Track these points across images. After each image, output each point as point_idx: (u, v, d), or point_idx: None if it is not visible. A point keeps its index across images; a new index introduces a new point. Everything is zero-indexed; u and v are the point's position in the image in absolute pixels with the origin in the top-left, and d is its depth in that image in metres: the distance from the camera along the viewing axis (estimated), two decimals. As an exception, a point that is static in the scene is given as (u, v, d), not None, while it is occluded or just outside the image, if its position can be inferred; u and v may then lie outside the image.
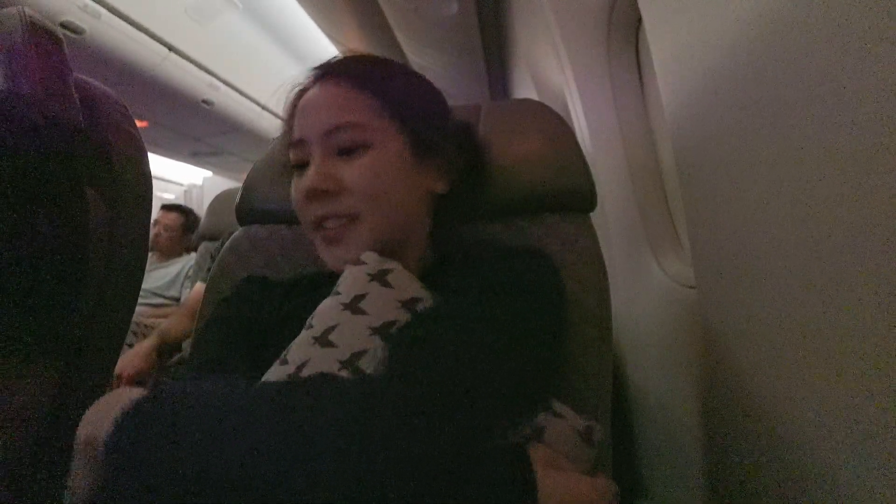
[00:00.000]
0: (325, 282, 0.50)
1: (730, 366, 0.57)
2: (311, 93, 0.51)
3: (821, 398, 0.41)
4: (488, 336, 0.39)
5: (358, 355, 0.41)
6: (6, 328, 0.48)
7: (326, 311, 0.45)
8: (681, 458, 0.76)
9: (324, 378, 0.37)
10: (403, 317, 0.44)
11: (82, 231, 0.52)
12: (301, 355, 0.43)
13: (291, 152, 0.52)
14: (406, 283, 0.46)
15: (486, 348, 0.38)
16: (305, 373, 0.41)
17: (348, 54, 0.56)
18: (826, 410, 0.40)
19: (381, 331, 0.42)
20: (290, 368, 0.42)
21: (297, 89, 0.54)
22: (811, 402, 0.42)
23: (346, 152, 0.48)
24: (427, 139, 0.51)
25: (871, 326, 0.34)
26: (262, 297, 0.56)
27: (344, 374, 0.40)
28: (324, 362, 0.41)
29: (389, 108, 0.49)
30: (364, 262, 0.47)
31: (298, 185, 0.50)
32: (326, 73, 0.52)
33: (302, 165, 0.51)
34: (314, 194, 0.48)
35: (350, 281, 0.47)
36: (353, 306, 0.44)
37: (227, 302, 0.57)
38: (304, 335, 0.45)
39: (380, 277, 0.46)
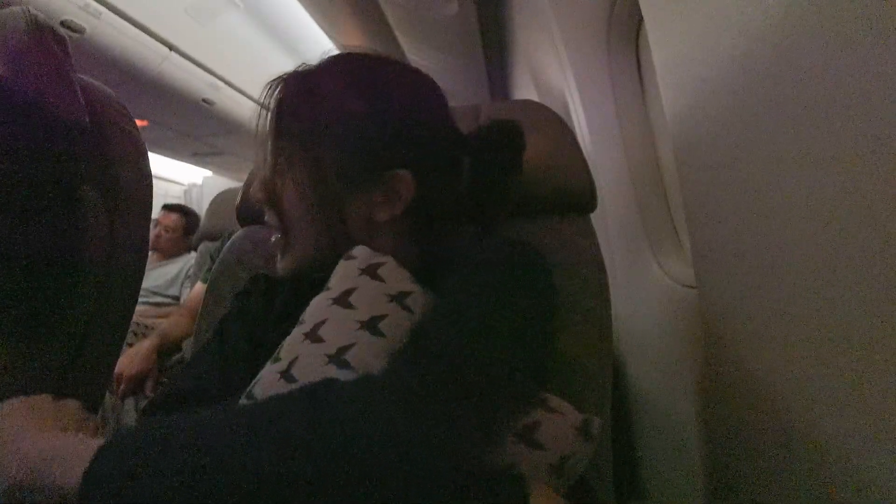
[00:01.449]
0: (325, 279, 0.51)
1: (730, 366, 0.57)
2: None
3: (821, 397, 0.41)
4: (482, 334, 0.38)
5: (344, 349, 0.41)
6: (7, 318, 0.48)
7: (317, 306, 0.46)
8: (681, 458, 0.76)
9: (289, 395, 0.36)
10: (392, 310, 0.44)
11: (78, 228, 0.52)
12: (292, 352, 0.43)
13: None
14: (397, 277, 0.46)
15: (479, 346, 0.37)
16: (295, 369, 0.41)
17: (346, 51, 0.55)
18: (826, 409, 0.40)
19: (369, 325, 0.42)
20: (283, 365, 0.42)
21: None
22: (811, 401, 0.42)
23: (269, 174, 0.51)
24: (356, 171, 0.49)
25: (871, 326, 0.34)
26: (269, 294, 0.57)
27: (331, 368, 0.40)
28: (312, 357, 0.42)
29: (310, 145, 0.49)
30: (354, 257, 0.48)
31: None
32: (281, 84, 0.51)
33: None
34: (256, 200, 0.52)
35: (340, 275, 0.47)
36: (342, 301, 0.44)
37: (245, 295, 0.57)
38: (296, 331, 0.45)
39: (370, 271, 0.46)
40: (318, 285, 0.51)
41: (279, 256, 0.52)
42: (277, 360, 0.44)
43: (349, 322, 0.43)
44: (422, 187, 0.49)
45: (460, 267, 0.47)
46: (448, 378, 0.34)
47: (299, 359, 0.42)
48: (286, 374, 0.42)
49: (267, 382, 0.43)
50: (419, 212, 0.51)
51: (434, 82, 0.55)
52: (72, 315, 0.53)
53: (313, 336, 0.43)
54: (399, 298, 0.44)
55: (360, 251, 0.48)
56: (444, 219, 0.54)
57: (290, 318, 0.49)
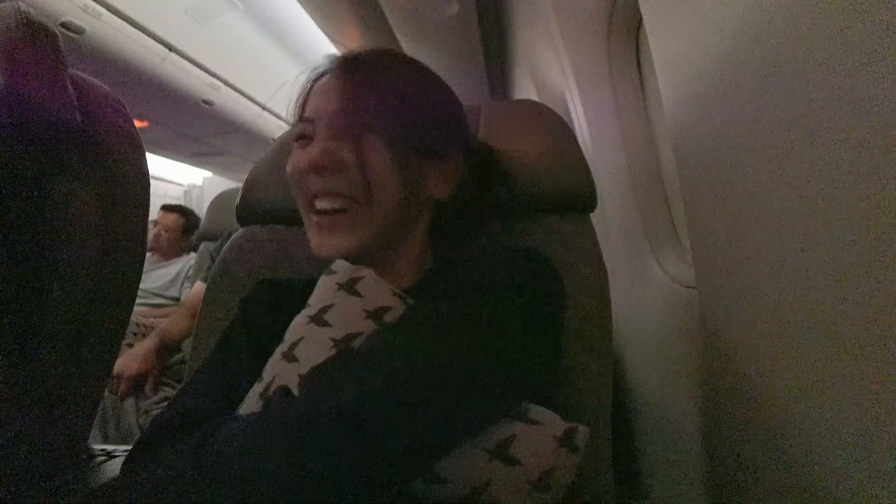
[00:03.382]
0: None
1: (730, 366, 0.57)
2: (327, 78, 0.51)
3: (821, 398, 0.41)
4: (441, 342, 0.36)
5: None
6: None
7: (296, 325, 0.45)
8: (681, 459, 0.76)
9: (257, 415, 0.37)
10: (368, 327, 0.42)
11: (68, 228, 0.52)
12: (271, 372, 0.43)
13: (298, 126, 0.51)
14: (376, 292, 0.45)
15: (431, 356, 0.36)
16: (273, 389, 0.41)
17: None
18: (826, 410, 0.40)
19: (343, 343, 0.41)
20: (261, 386, 0.42)
21: (316, 71, 0.54)
22: (811, 402, 0.42)
23: (351, 137, 0.48)
24: (431, 142, 0.51)
25: (871, 326, 0.34)
26: (275, 301, 0.55)
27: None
28: (287, 377, 0.41)
29: (398, 105, 0.49)
30: (335, 272, 0.46)
31: (299, 157, 0.49)
32: (344, 62, 0.52)
33: (305, 139, 0.50)
34: (314, 169, 0.47)
35: (320, 292, 0.46)
36: (318, 318, 0.44)
37: (250, 303, 0.55)
38: (277, 351, 0.44)
39: (348, 286, 0.45)
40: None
41: (339, 236, 0.48)
42: (261, 379, 0.43)
43: (324, 340, 0.42)
44: (463, 178, 0.53)
45: (462, 273, 0.46)
46: (367, 402, 0.33)
47: (276, 379, 0.41)
48: (264, 395, 0.41)
49: (250, 403, 0.42)
50: (445, 210, 0.54)
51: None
52: (63, 317, 0.53)
53: (289, 356, 0.42)
54: (376, 315, 0.43)
55: (340, 265, 0.47)
56: (461, 220, 0.56)
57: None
